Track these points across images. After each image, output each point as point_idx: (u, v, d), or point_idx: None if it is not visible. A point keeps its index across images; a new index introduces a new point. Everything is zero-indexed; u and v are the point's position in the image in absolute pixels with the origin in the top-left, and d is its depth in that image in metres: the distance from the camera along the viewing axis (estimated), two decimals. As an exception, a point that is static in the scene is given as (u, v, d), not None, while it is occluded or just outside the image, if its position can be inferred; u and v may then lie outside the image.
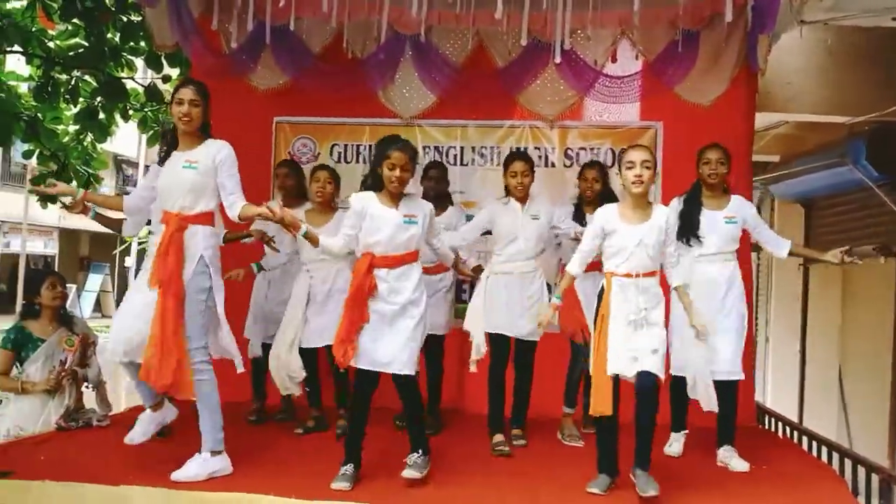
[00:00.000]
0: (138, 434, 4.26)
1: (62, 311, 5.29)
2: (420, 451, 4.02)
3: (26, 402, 5.02)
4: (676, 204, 4.68)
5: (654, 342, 3.90)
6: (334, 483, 3.86)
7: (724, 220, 4.65)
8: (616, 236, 3.98)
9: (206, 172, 4.00)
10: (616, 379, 3.92)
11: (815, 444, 5.06)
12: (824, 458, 4.83)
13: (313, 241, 4.10)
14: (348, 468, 3.95)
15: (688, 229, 4.60)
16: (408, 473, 3.94)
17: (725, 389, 4.54)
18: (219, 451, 4.03)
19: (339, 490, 3.83)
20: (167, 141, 4.16)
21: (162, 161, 4.13)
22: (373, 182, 4.11)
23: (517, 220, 4.86)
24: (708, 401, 4.47)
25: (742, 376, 4.63)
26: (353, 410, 4.13)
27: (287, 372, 5.02)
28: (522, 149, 6.09)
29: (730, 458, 4.56)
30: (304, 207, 5.24)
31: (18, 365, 5.10)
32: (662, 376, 3.93)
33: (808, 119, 7.61)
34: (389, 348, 3.98)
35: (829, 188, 8.07)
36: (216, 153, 4.03)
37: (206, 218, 4.05)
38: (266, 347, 5.39)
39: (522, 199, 4.90)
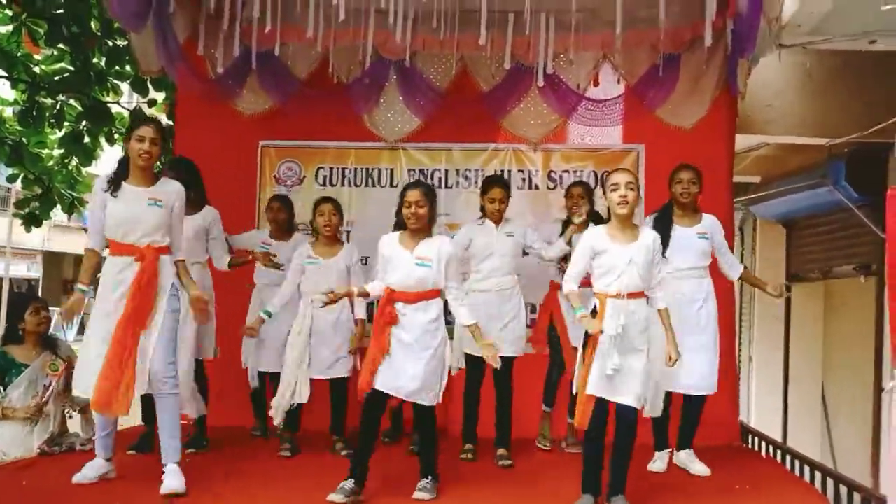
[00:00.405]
0: (86, 479, 4.18)
1: (46, 335, 5.27)
2: (430, 476, 4.17)
3: (8, 428, 4.99)
4: (648, 222, 4.76)
5: (637, 374, 3.94)
6: (331, 495, 3.93)
7: (696, 236, 4.76)
8: (606, 255, 4.01)
9: (170, 210, 4.20)
10: (604, 400, 3.96)
11: (797, 463, 5.10)
12: (807, 476, 4.87)
13: (364, 295, 4.44)
14: (348, 483, 4.03)
15: None
16: (419, 495, 4.07)
17: (697, 400, 4.73)
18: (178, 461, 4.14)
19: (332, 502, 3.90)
20: (118, 171, 4.19)
21: (111, 191, 4.13)
22: (398, 223, 4.32)
23: (492, 238, 5.02)
24: (653, 408, 4.56)
25: (715, 389, 4.75)
26: (362, 430, 4.22)
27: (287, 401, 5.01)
28: (506, 171, 6.17)
29: (692, 462, 4.73)
30: (293, 240, 5.33)
31: (1, 390, 5.07)
32: (640, 405, 3.98)
33: (788, 141, 7.70)
34: (405, 375, 4.11)
35: (809, 209, 8.17)
36: (176, 198, 4.25)
37: (168, 249, 4.23)
38: (261, 376, 5.47)
39: (497, 221, 5.06)
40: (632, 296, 3.97)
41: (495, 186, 5.03)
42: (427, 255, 4.18)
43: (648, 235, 4.09)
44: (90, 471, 4.19)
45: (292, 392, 4.97)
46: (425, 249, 4.19)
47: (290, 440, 5.09)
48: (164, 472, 4.04)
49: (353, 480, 4.03)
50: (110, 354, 3.95)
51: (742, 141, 7.37)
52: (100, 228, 4.16)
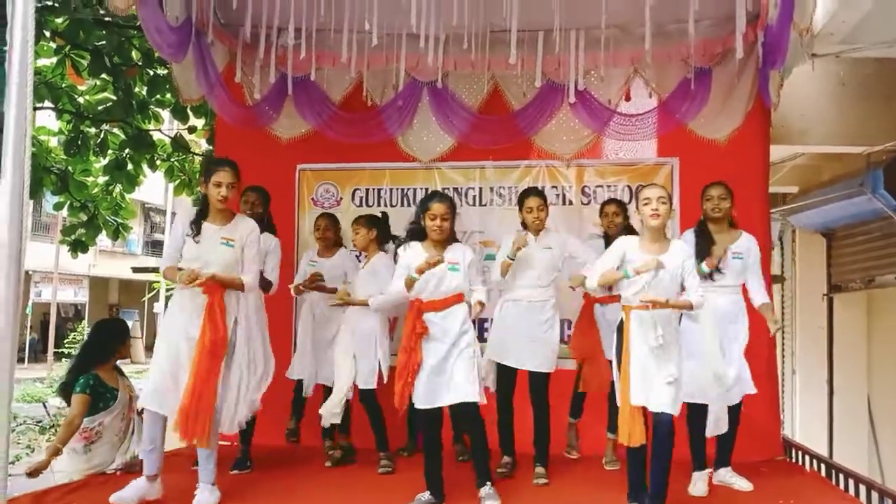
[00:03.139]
0: (122, 499, 4.21)
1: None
2: (490, 482, 4.25)
3: (65, 456, 5.01)
4: (690, 236, 4.76)
5: (670, 383, 3.95)
6: None
7: (731, 256, 4.72)
8: (634, 265, 4.02)
9: (241, 248, 4.38)
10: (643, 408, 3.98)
11: (842, 476, 5.03)
12: (852, 490, 4.80)
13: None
14: (424, 495, 4.19)
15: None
16: None
17: (732, 412, 4.71)
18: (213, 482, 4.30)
19: None
20: (199, 212, 4.38)
21: (193, 228, 4.32)
22: (417, 232, 4.43)
23: (530, 250, 4.96)
24: (715, 426, 4.61)
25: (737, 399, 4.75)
26: (425, 448, 4.34)
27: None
28: (540, 187, 6.19)
29: (733, 479, 4.72)
30: (338, 255, 5.49)
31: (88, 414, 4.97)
32: (677, 411, 3.99)
33: (824, 150, 7.63)
34: (446, 384, 4.24)
35: (849, 217, 8.06)
36: (248, 235, 4.42)
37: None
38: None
39: (537, 232, 5.04)
40: (657, 307, 3.98)
41: (531, 196, 5.06)
42: (455, 259, 4.34)
43: (678, 248, 4.11)
44: (130, 491, 4.24)
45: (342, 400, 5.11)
46: (453, 255, 4.35)
47: (341, 445, 5.35)
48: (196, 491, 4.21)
49: (429, 493, 4.19)
50: (189, 387, 4.12)
51: (778, 151, 7.32)
52: (175, 258, 4.35)
